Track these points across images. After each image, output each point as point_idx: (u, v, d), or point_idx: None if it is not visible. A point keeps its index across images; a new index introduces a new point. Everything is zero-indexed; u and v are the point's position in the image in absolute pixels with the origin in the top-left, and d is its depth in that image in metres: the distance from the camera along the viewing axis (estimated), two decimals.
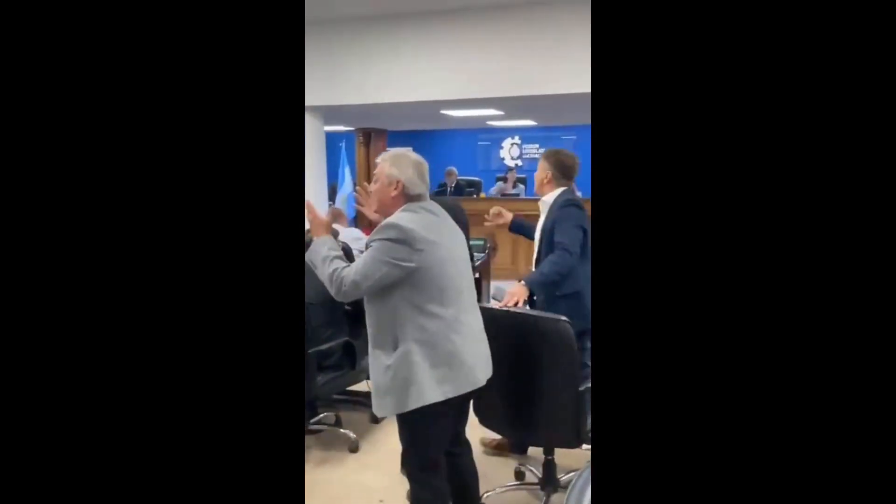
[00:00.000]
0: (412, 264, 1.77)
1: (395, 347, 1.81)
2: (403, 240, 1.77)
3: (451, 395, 1.81)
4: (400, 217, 1.83)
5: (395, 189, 1.88)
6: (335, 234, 3.16)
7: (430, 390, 1.79)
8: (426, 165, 1.95)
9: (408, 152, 1.96)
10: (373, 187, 1.97)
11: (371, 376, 1.90)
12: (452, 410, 1.90)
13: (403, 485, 2.16)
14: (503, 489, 2.61)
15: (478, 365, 1.89)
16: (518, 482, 2.70)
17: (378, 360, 1.85)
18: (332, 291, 1.83)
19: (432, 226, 1.86)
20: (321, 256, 1.86)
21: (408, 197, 1.89)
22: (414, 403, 1.79)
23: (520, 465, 2.74)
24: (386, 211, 1.91)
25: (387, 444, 3.11)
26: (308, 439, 3.14)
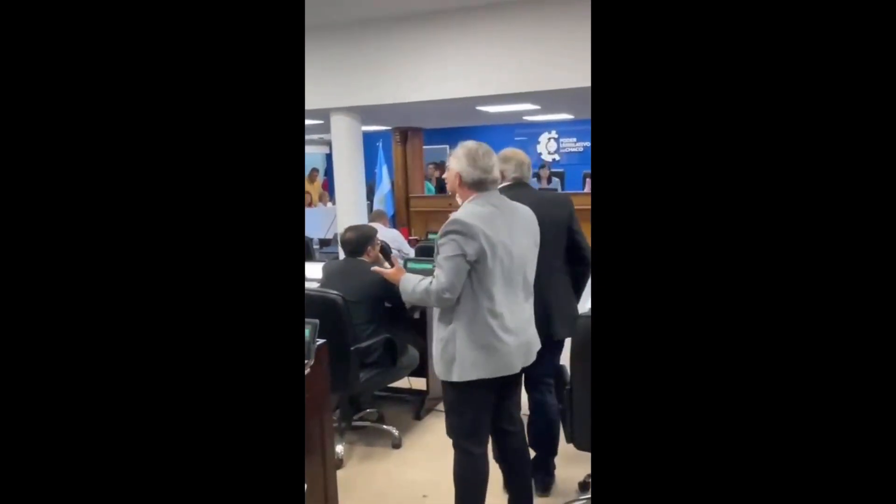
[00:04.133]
0: (473, 254, 1.92)
1: (449, 324, 2.01)
2: (463, 231, 1.93)
3: (483, 377, 2.00)
4: (460, 212, 2.00)
5: (457, 180, 2.06)
6: (374, 232, 3.20)
7: (467, 369, 1.99)
8: (481, 150, 2.05)
9: (463, 143, 2.10)
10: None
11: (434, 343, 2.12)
12: (492, 388, 2.06)
13: (446, 480, 2.18)
14: (575, 502, 2.53)
15: (515, 353, 2.04)
16: (585, 495, 2.59)
17: (438, 332, 2.07)
18: (437, 305, 2.03)
19: (489, 218, 1.98)
20: (412, 289, 2.06)
21: (468, 185, 2.03)
22: (454, 377, 2.02)
23: (587, 477, 2.63)
24: (458, 202, 2.09)
25: (429, 439, 3.13)
26: (351, 435, 3.18)
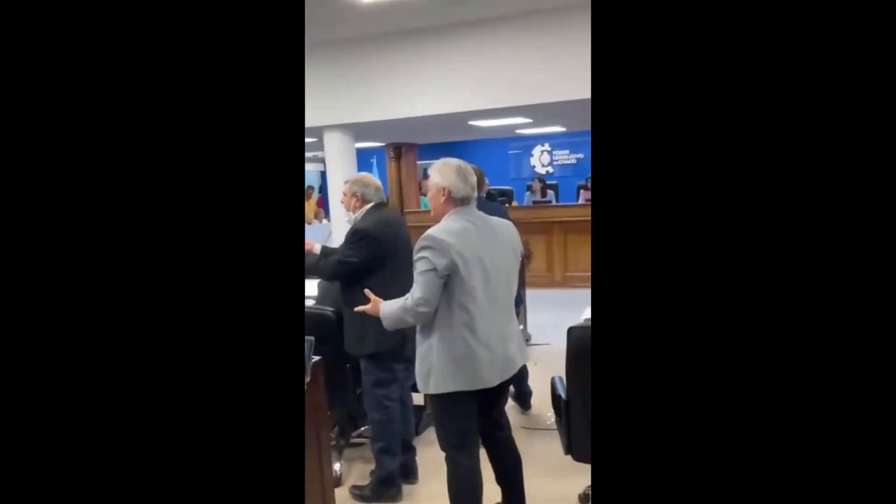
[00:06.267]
0: (444, 269, 1.95)
1: (427, 338, 2.05)
2: (435, 248, 1.96)
3: (460, 389, 2.02)
4: (435, 228, 2.03)
5: (444, 196, 2.06)
6: None
7: (444, 381, 2.03)
8: (470, 169, 2.10)
9: (451, 160, 2.12)
10: (427, 198, 2.17)
11: None
12: (473, 398, 2.08)
13: (446, 494, 2.17)
14: None
15: (491, 368, 2.05)
16: None
17: (418, 348, 2.10)
18: (415, 320, 2.04)
19: (462, 233, 2.01)
20: (389, 311, 2.08)
21: (455, 201, 2.06)
22: (431, 388, 2.07)
23: (587, 489, 2.61)
24: (439, 218, 2.09)
25: (428, 454, 3.11)
26: (350, 452, 3.16)
